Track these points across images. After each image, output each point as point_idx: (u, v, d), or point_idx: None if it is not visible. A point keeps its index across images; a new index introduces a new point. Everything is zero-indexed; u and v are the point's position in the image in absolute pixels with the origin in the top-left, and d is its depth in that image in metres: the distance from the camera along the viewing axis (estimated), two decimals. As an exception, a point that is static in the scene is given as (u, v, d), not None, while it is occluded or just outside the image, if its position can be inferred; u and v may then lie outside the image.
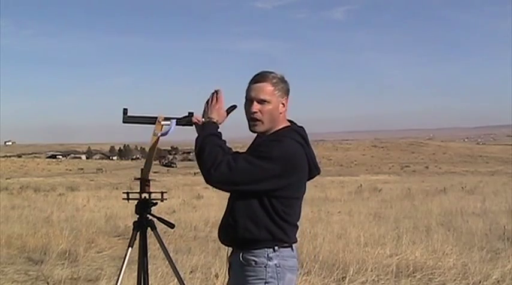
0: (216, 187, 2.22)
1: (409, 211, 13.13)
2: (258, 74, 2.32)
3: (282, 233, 2.26)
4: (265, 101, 2.27)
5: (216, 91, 2.37)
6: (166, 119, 2.61)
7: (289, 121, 2.40)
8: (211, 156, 2.16)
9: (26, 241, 7.87)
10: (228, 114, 2.40)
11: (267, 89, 2.28)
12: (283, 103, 2.32)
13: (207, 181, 2.19)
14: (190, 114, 2.54)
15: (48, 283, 5.58)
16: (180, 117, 2.59)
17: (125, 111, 2.65)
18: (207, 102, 2.37)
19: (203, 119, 2.33)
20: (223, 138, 2.30)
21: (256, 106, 2.28)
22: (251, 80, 2.32)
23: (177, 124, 2.59)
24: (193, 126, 2.47)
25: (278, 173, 2.18)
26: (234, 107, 2.46)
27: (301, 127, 2.39)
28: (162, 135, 2.62)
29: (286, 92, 2.34)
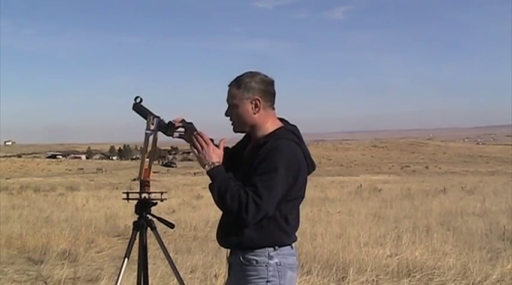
0: (252, 224, 2.20)
1: (409, 210, 13.13)
2: (234, 78, 2.35)
3: (285, 235, 2.29)
4: (232, 104, 2.33)
5: (198, 134, 2.35)
6: (155, 117, 2.67)
7: (282, 120, 2.40)
8: (235, 201, 2.14)
9: (26, 241, 7.86)
10: (218, 147, 2.37)
11: (232, 93, 2.33)
12: (255, 104, 2.30)
13: (243, 225, 2.19)
14: (170, 124, 2.59)
15: (46, 283, 5.58)
16: (162, 118, 2.64)
17: (137, 98, 2.73)
18: (196, 149, 2.32)
19: (206, 167, 2.28)
20: None
21: (228, 111, 2.36)
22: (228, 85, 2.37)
23: (158, 126, 2.64)
24: (168, 134, 2.56)
25: (291, 180, 2.21)
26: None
27: (294, 125, 2.40)
28: (148, 133, 2.68)
29: (261, 92, 2.31)
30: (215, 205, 2.24)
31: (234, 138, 2.50)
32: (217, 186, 2.20)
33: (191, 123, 2.50)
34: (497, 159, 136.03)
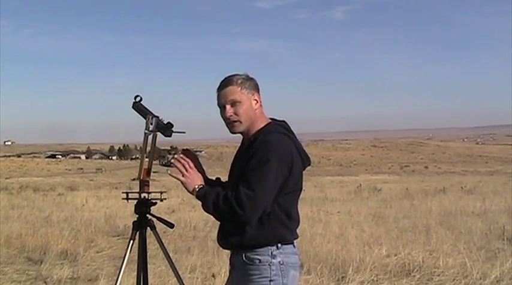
0: (255, 220, 2.19)
1: (408, 210, 13.12)
2: (222, 81, 2.34)
3: (287, 231, 2.29)
4: (236, 102, 2.30)
5: (181, 157, 2.35)
6: (154, 117, 2.69)
7: (271, 118, 2.42)
8: (226, 203, 2.16)
9: (26, 241, 7.85)
10: (202, 173, 2.38)
11: (234, 91, 2.31)
12: (255, 100, 2.33)
13: (245, 224, 2.19)
14: (168, 124, 2.61)
15: (46, 283, 5.58)
16: (161, 118, 2.67)
17: (137, 97, 2.76)
18: (181, 173, 2.32)
19: (194, 191, 2.29)
20: None
21: (230, 110, 2.31)
22: (217, 88, 2.35)
23: (156, 126, 2.66)
24: (166, 135, 2.62)
25: (286, 172, 2.21)
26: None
27: (283, 121, 2.42)
28: (147, 133, 2.70)
29: (255, 88, 2.35)
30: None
31: (232, 139, 2.49)
32: (210, 200, 2.21)
33: (187, 149, 2.46)
34: (497, 159, 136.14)
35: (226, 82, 2.33)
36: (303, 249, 6.42)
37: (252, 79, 2.36)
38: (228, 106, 2.31)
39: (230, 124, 2.33)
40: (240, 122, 2.32)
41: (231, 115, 2.31)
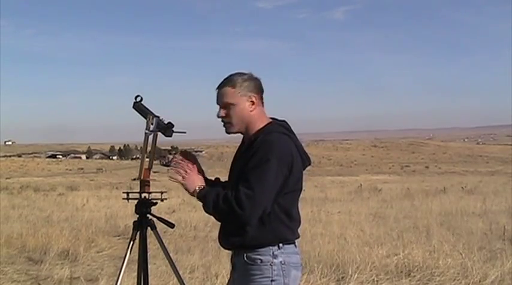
0: (255, 220, 2.19)
1: (409, 210, 13.14)
2: (223, 80, 2.34)
3: (288, 230, 2.29)
4: (228, 104, 2.30)
5: (180, 159, 2.36)
6: (155, 117, 2.69)
7: (271, 118, 2.41)
8: (226, 203, 2.16)
9: (26, 241, 7.86)
10: (201, 173, 2.38)
11: (228, 92, 2.30)
12: (252, 101, 2.32)
13: (245, 224, 2.19)
14: (169, 124, 2.62)
15: (40, 284, 5.58)
16: (161, 118, 2.67)
17: (137, 97, 2.76)
18: (181, 176, 2.33)
19: (195, 192, 2.29)
20: None
21: (222, 111, 2.32)
22: (216, 87, 2.35)
23: (157, 126, 2.66)
24: (166, 135, 2.62)
25: (286, 172, 2.21)
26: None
27: (284, 120, 2.42)
28: (147, 133, 2.71)
29: (254, 89, 2.33)
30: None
31: (232, 139, 2.49)
32: (210, 201, 2.22)
33: (186, 150, 2.47)
34: (497, 159, 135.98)
35: (223, 83, 2.33)
36: (304, 250, 6.42)
37: (253, 79, 2.34)
38: (221, 108, 2.33)
39: (224, 125, 2.35)
40: (231, 124, 2.33)
41: (223, 116, 2.33)
